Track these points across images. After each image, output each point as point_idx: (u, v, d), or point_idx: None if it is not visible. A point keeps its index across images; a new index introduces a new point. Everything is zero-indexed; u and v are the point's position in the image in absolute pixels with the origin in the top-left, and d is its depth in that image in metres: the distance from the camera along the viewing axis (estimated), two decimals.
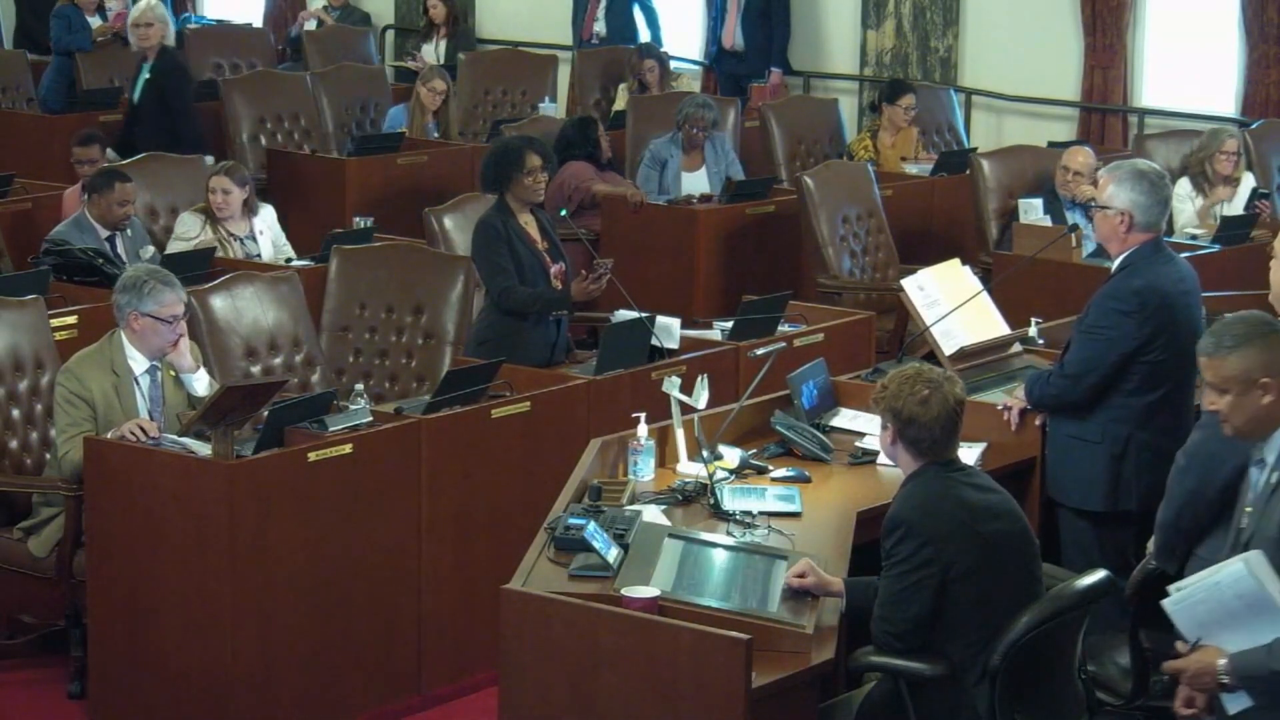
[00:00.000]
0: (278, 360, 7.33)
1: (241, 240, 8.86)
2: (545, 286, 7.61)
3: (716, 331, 7.77)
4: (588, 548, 5.02)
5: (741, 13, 13.35)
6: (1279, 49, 11.94)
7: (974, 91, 13.08)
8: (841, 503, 5.75)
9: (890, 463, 5.53)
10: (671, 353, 7.35)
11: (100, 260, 8.22)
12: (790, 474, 5.95)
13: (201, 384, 6.53)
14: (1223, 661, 4.38)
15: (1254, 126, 11.03)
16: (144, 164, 9.54)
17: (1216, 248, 9.14)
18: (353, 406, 6.56)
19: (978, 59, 13.11)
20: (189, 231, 8.77)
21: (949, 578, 4.74)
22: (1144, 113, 12.50)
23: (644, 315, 7.41)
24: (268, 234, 8.99)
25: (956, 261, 7.12)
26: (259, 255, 8.86)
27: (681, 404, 6.07)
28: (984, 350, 6.79)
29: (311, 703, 6.13)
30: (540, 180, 7.64)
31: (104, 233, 8.52)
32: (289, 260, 8.80)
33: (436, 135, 11.62)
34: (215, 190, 8.81)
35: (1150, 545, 5.09)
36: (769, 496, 5.69)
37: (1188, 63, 12.57)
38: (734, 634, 4.52)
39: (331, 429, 6.26)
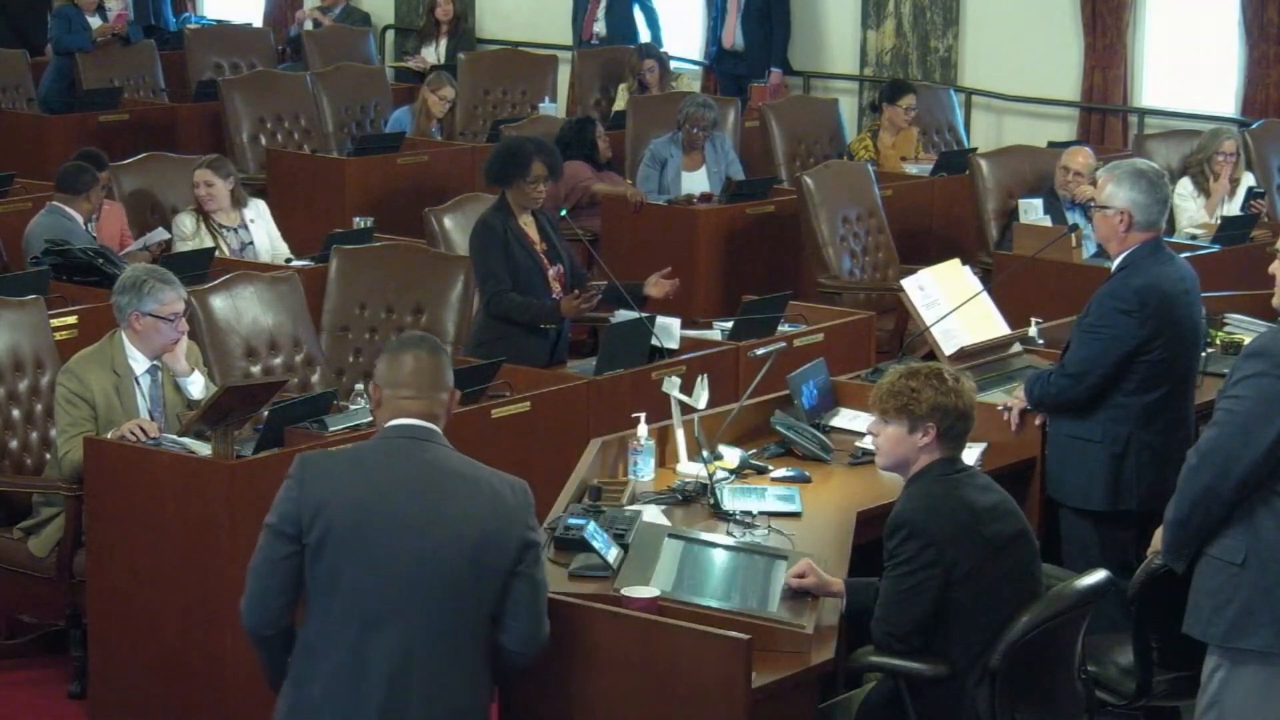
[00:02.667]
0: (278, 360, 7.33)
1: (235, 230, 8.88)
2: (542, 291, 7.60)
3: (716, 331, 7.77)
4: (588, 548, 5.02)
5: (741, 13, 13.35)
6: (1279, 49, 11.94)
7: (974, 91, 13.09)
8: (841, 503, 5.75)
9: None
10: (671, 353, 7.35)
11: (100, 260, 8.23)
12: (790, 474, 5.95)
13: (196, 387, 6.53)
14: None
15: (1254, 126, 11.03)
16: (144, 164, 9.55)
17: (1216, 248, 9.14)
18: (353, 406, 6.56)
19: (978, 59, 13.11)
20: (185, 231, 8.80)
21: (951, 579, 4.75)
22: (1144, 113, 12.50)
23: (644, 315, 7.41)
24: (260, 222, 9.00)
25: (956, 261, 7.12)
26: (252, 243, 8.87)
27: (681, 404, 6.07)
28: (984, 350, 6.79)
29: None
30: (540, 190, 7.65)
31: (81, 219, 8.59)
32: (289, 260, 8.81)
33: (440, 139, 11.63)
34: (199, 183, 8.84)
35: (1154, 545, 5.08)
36: (769, 496, 5.69)
37: (1188, 63, 12.58)
38: (734, 634, 4.52)
39: (331, 429, 6.26)
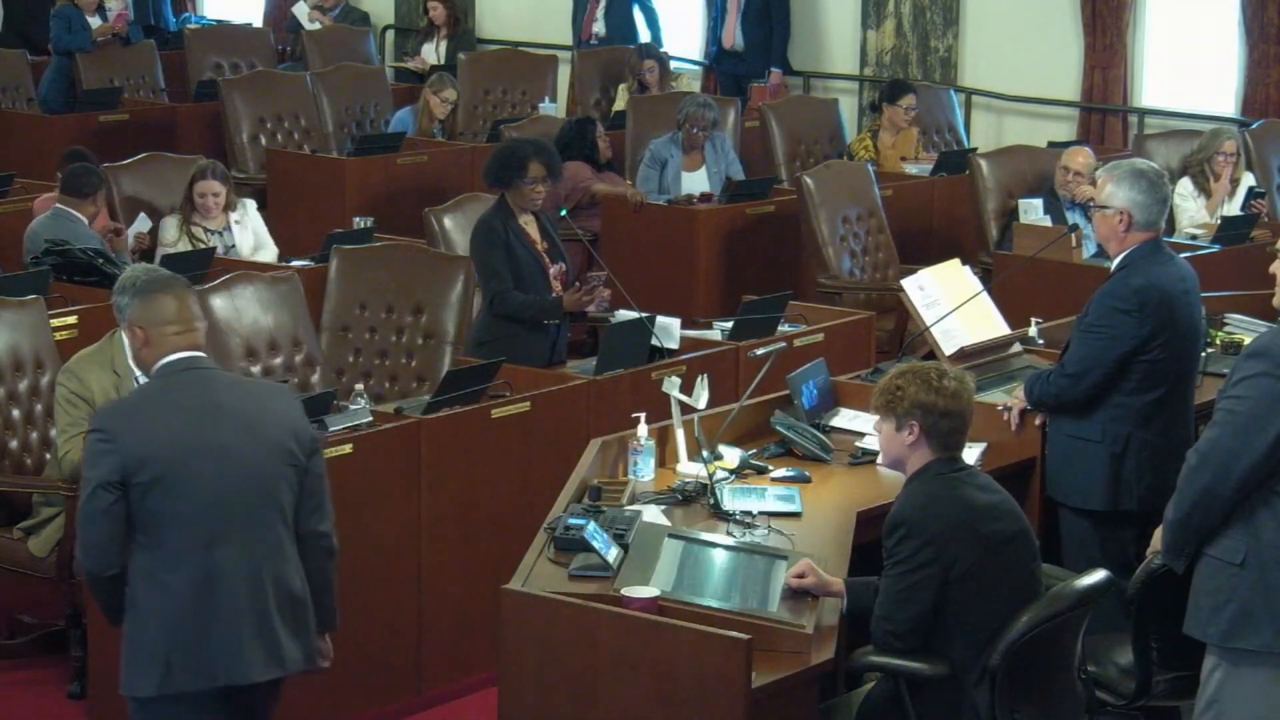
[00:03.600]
0: (278, 360, 7.33)
1: (220, 233, 8.87)
2: (543, 289, 7.61)
3: (716, 331, 7.77)
4: (588, 548, 5.03)
5: (741, 13, 13.35)
6: (1279, 49, 11.94)
7: (974, 91, 13.09)
8: (841, 503, 5.75)
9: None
10: (671, 353, 7.36)
11: (100, 260, 8.23)
12: (790, 474, 5.95)
13: None
14: None
15: (1254, 126, 11.03)
16: (144, 164, 9.54)
17: (1216, 248, 9.14)
18: (353, 406, 6.57)
19: (978, 59, 13.11)
20: (169, 239, 8.81)
21: (949, 578, 4.75)
22: (1144, 113, 12.50)
23: (644, 315, 7.41)
24: (245, 223, 8.99)
25: (956, 261, 7.12)
26: (234, 246, 8.85)
27: (681, 404, 6.07)
28: (984, 350, 6.79)
29: (311, 703, 6.13)
30: (539, 191, 7.65)
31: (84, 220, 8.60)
32: (288, 261, 8.80)
33: (442, 140, 11.63)
34: (205, 194, 8.82)
35: (1154, 544, 5.08)
36: (769, 496, 5.69)
37: (1188, 63, 12.57)
38: (734, 634, 4.52)
39: (331, 429, 6.26)
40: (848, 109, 13.03)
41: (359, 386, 6.98)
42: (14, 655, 6.75)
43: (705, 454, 5.78)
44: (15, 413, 6.77)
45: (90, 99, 12.35)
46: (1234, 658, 4.70)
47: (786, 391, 6.38)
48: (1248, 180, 10.18)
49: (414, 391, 7.55)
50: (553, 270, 7.68)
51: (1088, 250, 8.91)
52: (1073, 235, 8.64)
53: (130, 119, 12.19)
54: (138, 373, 6.44)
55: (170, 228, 8.87)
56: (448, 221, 8.75)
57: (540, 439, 6.70)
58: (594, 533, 5.06)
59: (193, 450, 4.65)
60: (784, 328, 7.76)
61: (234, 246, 8.86)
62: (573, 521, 5.15)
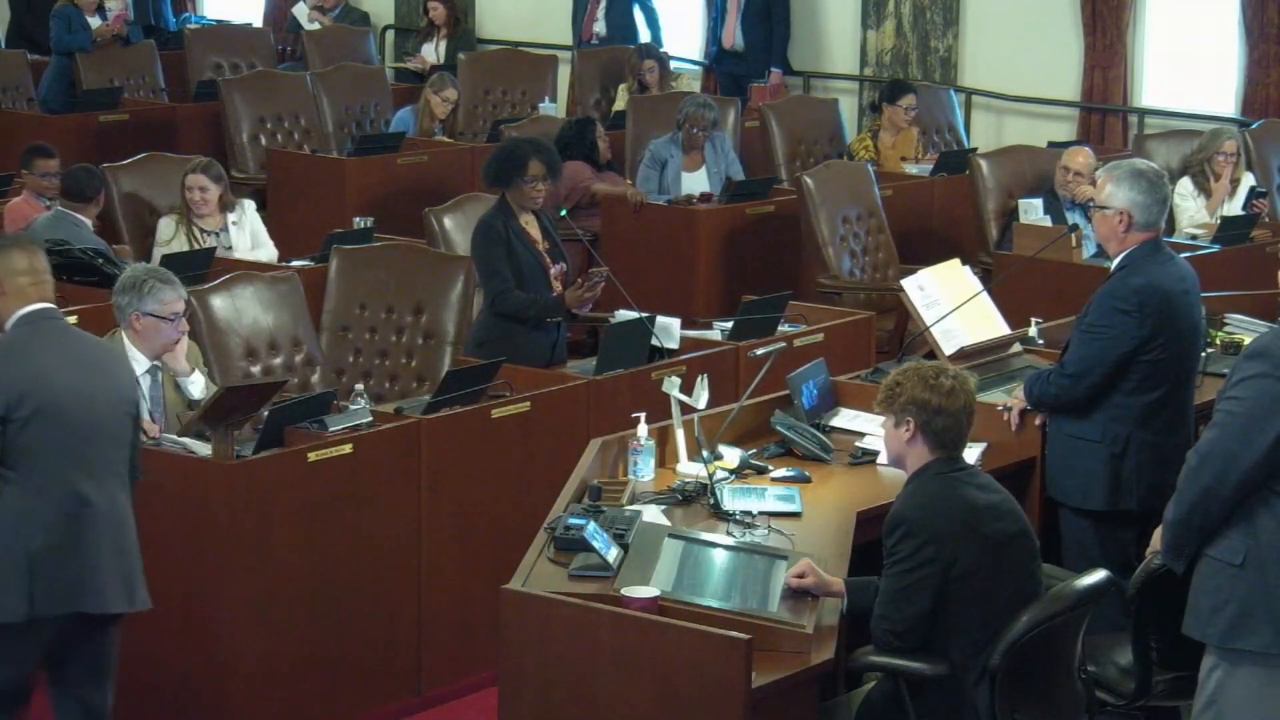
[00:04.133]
0: (278, 360, 7.33)
1: (216, 234, 8.85)
2: (544, 289, 7.61)
3: (716, 331, 7.77)
4: (588, 548, 5.03)
5: (741, 13, 13.34)
6: (1279, 49, 11.94)
7: (974, 91, 13.09)
8: (841, 503, 5.75)
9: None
10: (671, 353, 7.36)
11: (100, 260, 8.23)
12: (790, 474, 5.95)
13: (197, 387, 6.53)
14: None
15: (1254, 126, 11.03)
16: (143, 164, 9.54)
17: (1216, 248, 9.14)
18: (353, 406, 6.57)
19: (978, 59, 13.11)
20: (164, 236, 8.80)
21: (950, 577, 4.75)
22: (1144, 113, 12.50)
23: (644, 315, 7.41)
24: (243, 225, 8.97)
25: (956, 261, 7.12)
26: (230, 248, 8.84)
27: (681, 404, 6.07)
28: (984, 350, 6.79)
29: (311, 703, 6.14)
30: (539, 190, 7.65)
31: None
32: (288, 261, 8.79)
33: (444, 139, 11.63)
34: (192, 188, 8.80)
35: (1153, 544, 5.08)
36: (769, 496, 5.69)
37: (1188, 63, 12.58)
38: (734, 634, 4.52)
39: (331, 429, 6.26)
40: (848, 109, 13.03)
41: (359, 386, 6.98)
42: None
43: (705, 454, 5.78)
44: None
45: (90, 99, 12.35)
46: (1233, 658, 4.70)
47: (786, 391, 6.38)
48: (1248, 180, 10.18)
49: (414, 391, 7.55)
50: (553, 270, 7.68)
51: (1088, 250, 8.91)
52: (1073, 235, 8.64)
53: (130, 119, 12.18)
54: (137, 368, 6.45)
55: (166, 226, 8.85)
56: (448, 221, 8.75)
57: (540, 439, 6.71)
58: (594, 533, 5.06)
59: (66, 388, 5.05)
60: (784, 328, 7.76)
61: (230, 248, 8.85)
62: (573, 521, 5.15)
